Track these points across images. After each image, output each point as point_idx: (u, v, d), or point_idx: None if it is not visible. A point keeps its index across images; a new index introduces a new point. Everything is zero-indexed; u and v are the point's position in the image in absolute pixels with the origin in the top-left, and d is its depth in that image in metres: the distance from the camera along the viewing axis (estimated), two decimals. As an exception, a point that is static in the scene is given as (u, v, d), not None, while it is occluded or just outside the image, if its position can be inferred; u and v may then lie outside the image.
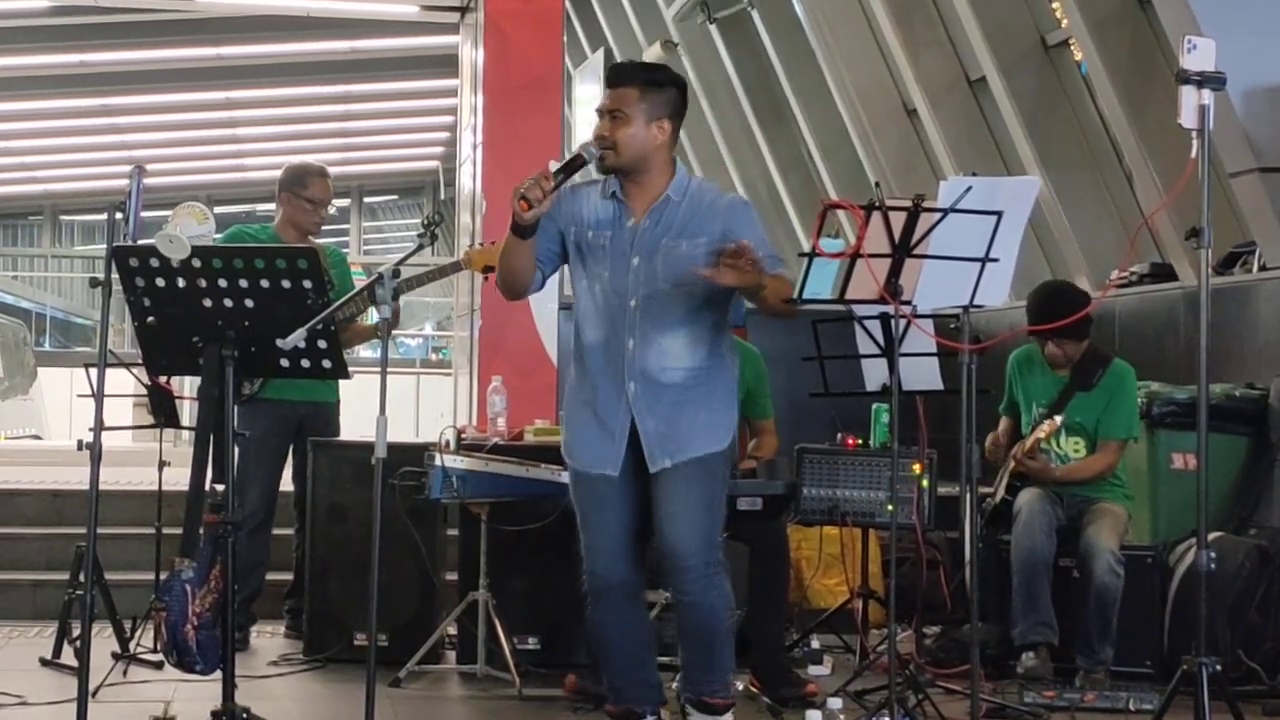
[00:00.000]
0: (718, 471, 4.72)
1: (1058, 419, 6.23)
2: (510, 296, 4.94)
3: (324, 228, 6.90)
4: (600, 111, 4.69)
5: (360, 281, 6.77)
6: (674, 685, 5.07)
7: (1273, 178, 6.90)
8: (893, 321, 5.12)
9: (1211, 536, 5.62)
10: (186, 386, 8.08)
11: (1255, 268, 7.21)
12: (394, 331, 6.32)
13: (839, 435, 6.53)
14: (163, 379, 6.20)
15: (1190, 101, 4.57)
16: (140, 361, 5.11)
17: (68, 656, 5.87)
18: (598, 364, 4.71)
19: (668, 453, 4.61)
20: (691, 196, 4.68)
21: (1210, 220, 4.66)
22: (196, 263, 4.56)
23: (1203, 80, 4.56)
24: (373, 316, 6.23)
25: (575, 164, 4.61)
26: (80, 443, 5.16)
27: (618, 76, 4.70)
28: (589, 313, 4.73)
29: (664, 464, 4.61)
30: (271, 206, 6.79)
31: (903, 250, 4.90)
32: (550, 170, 4.52)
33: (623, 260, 4.64)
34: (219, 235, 6.84)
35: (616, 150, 4.62)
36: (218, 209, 26.95)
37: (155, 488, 6.51)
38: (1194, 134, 4.58)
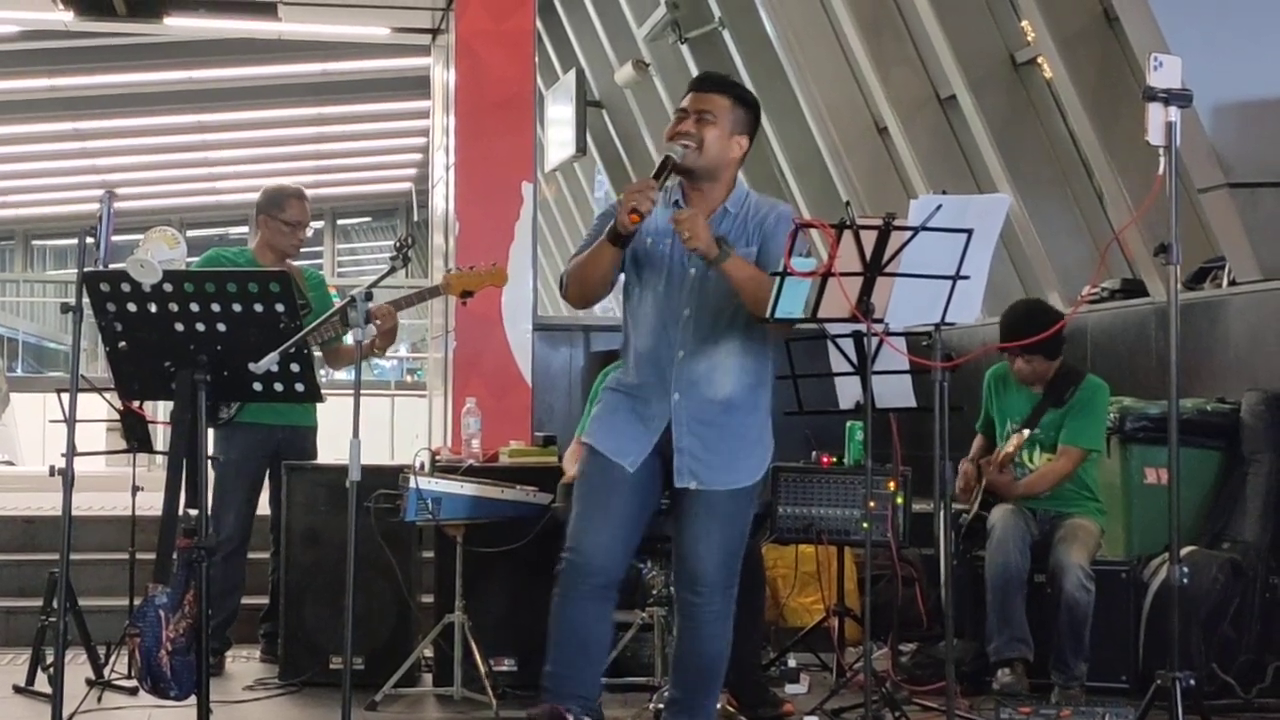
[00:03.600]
0: (747, 506, 4.70)
1: (1026, 432, 6.27)
2: (584, 306, 4.87)
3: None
4: (684, 111, 4.65)
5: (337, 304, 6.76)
6: (651, 705, 5.07)
7: (1241, 193, 6.94)
8: (865, 340, 5.14)
9: (1184, 551, 5.67)
10: (160, 411, 8.06)
11: (1225, 282, 7.25)
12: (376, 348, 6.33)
13: (813, 453, 6.54)
14: (135, 403, 6.19)
15: (1157, 119, 4.61)
16: (113, 386, 5.10)
17: (42, 683, 5.84)
18: (647, 371, 4.67)
19: (697, 475, 4.58)
20: (748, 209, 4.71)
21: (1178, 237, 4.69)
22: (168, 287, 4.56)
23: (1169, 97, 4.59)
24: (349, 339, 6.24)
25: (667, 167, 4.56)
26: (53, 468, 5.16)
27: (712, 83, 4.74)
28: (640, 320, 4.69)
29: (690, 484, 4.57)
30: (244, 229, 6.82)
31: (874, 269, 4.92)
32: (650, 179, 4.49)
33: (680, 270, 4.63)
34: (194, 259, 6.83)
35: (701, 149, 4.60)
36: (190, 232, 26.97)
37: (129, 513, 6.48)
38: (1161, 151, 4.61)
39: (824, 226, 4.86)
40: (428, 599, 6.50)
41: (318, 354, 6.40)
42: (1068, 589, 6.01)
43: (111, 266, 4.87)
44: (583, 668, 4.64)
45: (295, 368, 4.70)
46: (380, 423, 15.09)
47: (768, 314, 4.62)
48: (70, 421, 5.12)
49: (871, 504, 5.48)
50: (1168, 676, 4.63)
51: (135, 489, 6.46)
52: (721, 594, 4.61)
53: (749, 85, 12.55)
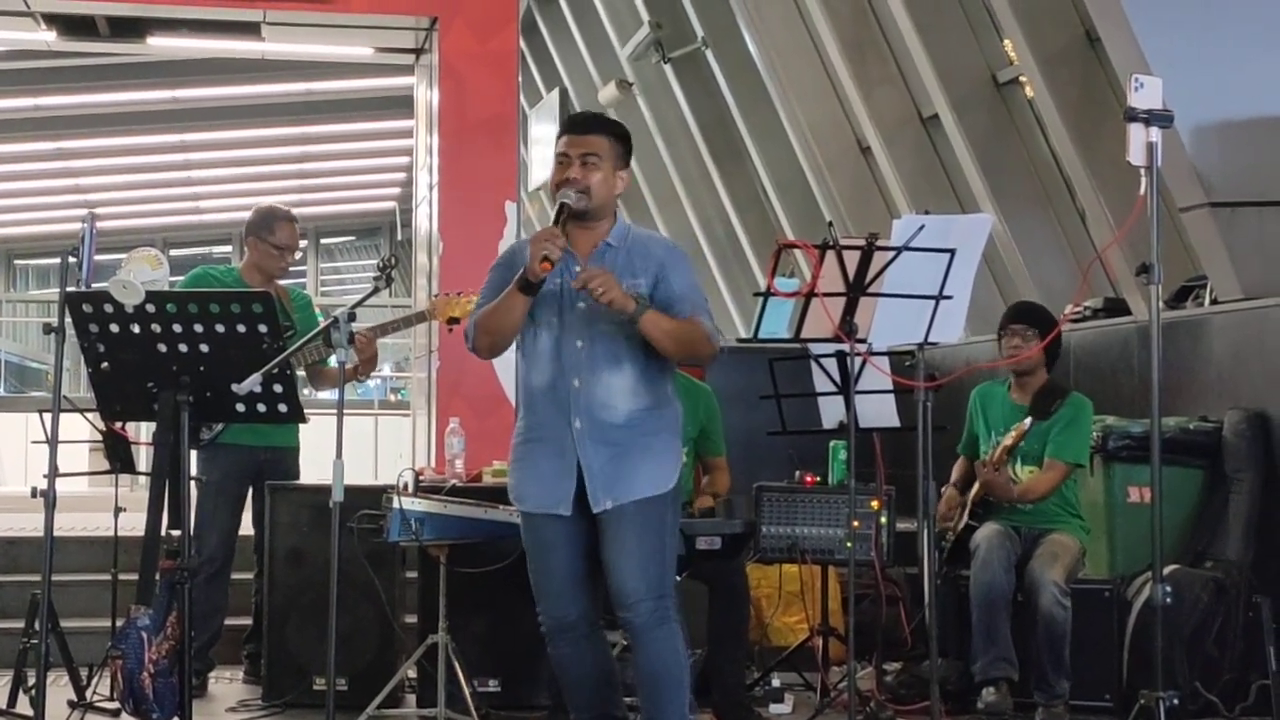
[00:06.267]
0: (664, 515, 4.70)
1: (1028, 421, 6.24)
2: (493, 355, 4.90)
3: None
4: (567, 155, 4.68)
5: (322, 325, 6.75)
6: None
7: (1222, 212, 6.97)
8: (849, 359, 5.15)
9: (1167, 570, 5.67)
10: (143, 431, 8.05)
11: (1207, 301, 7.27)
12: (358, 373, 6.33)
13: (797, 473, 6.54)
14: (118, 424, 6.17)
15: (1138, 139, 4.62)
16: (95, 407, 5.09)
17: (23, 705, 5.81)
18: (545, 406, 4.71)
19: (610, 494, 4.60)
20: (631, 241, 4.76)
21: (1160, 256, 4.70)
22: (150, 307, 4.56)
23: (1150, 118, 4.61)
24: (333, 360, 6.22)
25: (564, 214, 4.59)
26: (35, 489, 5.14)
27: (589, 125, 4.78)
28: (537, 357, 4.74)
29: (606, 505, 4.60)
30: (227, 249, 6.81)
31: (857, 289, 4.94)
32: (554, 228, 4.53)
33: (570, 303, 4.67)
34: (179, 278, 6.82)
35: (590, 194, 4.65)
36: (173, 252, 26.91)
37: (111, 534, 6.46)
38: (1143, 171, 4.63)
39: (807, 246, 4.88)
40: (411, 619, 6.49)
41: (301, 374, 6.39)
42: (1043, 606, 6.02)
43: (94, 287, 4.87)
44: (599, 703, 4.82)
45: (278, 388, 4.70)
46: (364, 443, 15.07)
47: (751, 334, 4.64)
48: (52, 442, 5.11)
49: (855, 523, 5.48)
50: (1151, 695, 4.63)
51: (118, 510, 6.44)
52: (649, 603, 4.61)
53: (732, 105, 12.77)
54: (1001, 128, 9.23)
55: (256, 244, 6.70)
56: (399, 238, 27.20)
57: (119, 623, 5.40)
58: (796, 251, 4.98)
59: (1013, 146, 9.24)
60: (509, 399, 8.34)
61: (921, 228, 4.96)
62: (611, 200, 4.75)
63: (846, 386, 5.38)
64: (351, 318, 4.74)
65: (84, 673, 6.03)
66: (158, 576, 4.65)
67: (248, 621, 6.86)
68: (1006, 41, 9.01)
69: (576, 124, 4.81)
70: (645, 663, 4.69)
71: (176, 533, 4.64)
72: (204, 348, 4.59)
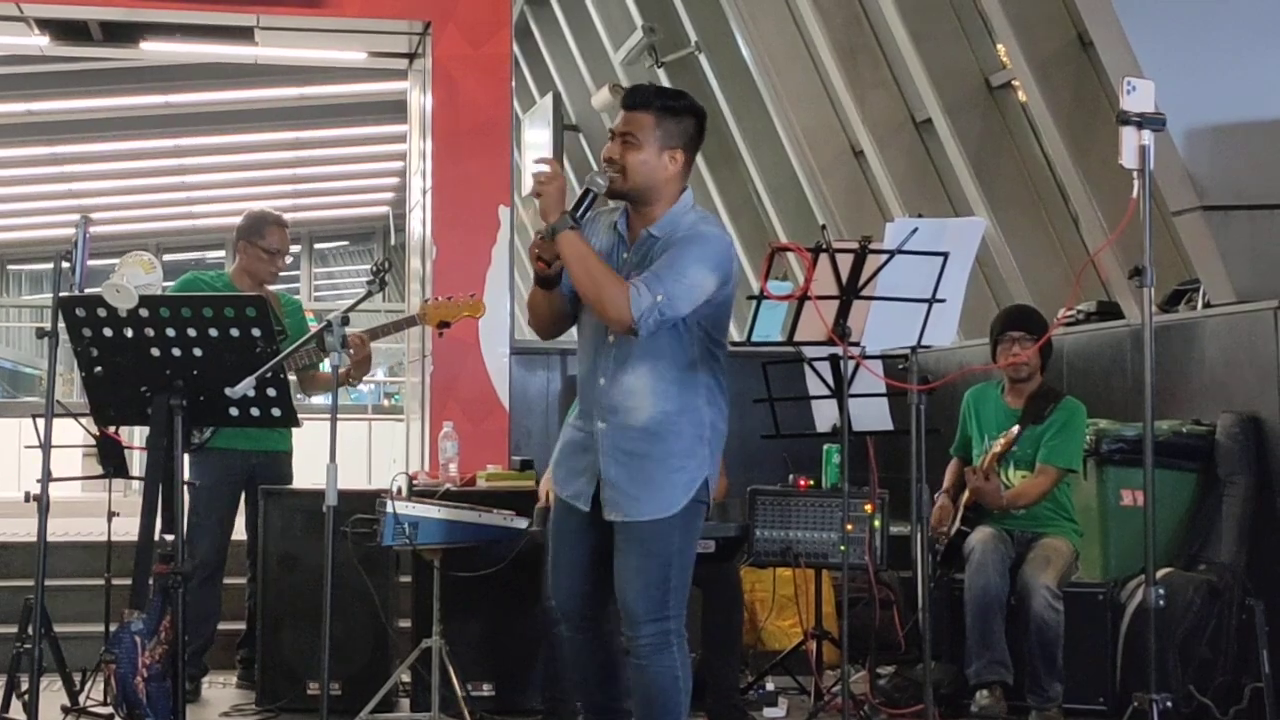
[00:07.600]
0: (671, 537, 4.47)
1: (1015, 429, 6.25)
2: (547, 338, 4.77)
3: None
4: (612, 133, 4.48)
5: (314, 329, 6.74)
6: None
7: (1215, 215, 6.97)
8: (842, 363, 5.15)
9: (1161, 573, 5.67)
10: (136, 436, 8.04)
11: (1200, 305, 7.27)
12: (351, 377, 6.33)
13: (791, 477, 6.54)
14: (111, 429, 6.17)
15: (1131, 142, 4.63)
16: (89, 411, 5.09)
17: (16, 710, 5.80)
18: (582, 400, 4.61)
19: (620, 507, 4.45)
20: (674, 230, 4.47)
21: (1152, 260, 4.71)
22: (144, 312, 4.56)
23: (1143, 121, 4.62)
24: (326, 365, 6.23)
25: (586, 198, 4.37)
26: (28, 494, 5.15)
27: (634, 100, 4.50)
28: (580, 346, 4.63)
29: (615, 517, 4.46)
30: (221, 254, 6.80)
31: (850, 292, 4.94)
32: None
33: None
34: (170, 283, 6.82)
35: (624, 175, 4.42)
36: (167, 256, 26.91)
37: (104, 538, 6.46)
38: (1135, 174, 4.64)
39: (800, 250, 4.87)
40: (405, 624, 6.49)
41: (292, 379, 6.38)
42: (1035, 610, 6.03)
43: (87, 291, 4.87)
44: (597, 685, 4.72)
45: (272, 392, 4.70)
46: (357, 447, 15.06)
47: (744, 338, 4.62)
48: (46, 447, 5.11)
49: (849, 527, 5.48)
50: (1145, 698, 4.64)
51: (111, 514, 6.44)
52: (649, 627, 4.44)
53: (725, 109, 12.77)
54: (994, 131, 9.24)
55: (247, 248, 6.71)
56: (392, 242, 27.22)
57: (112, 627, 5.40)
58: (790, 255, 4.96)
59: (1005, 150, 9.25)
60: (503, 403, 8.34)
61: (914, 231, 4.96)
62: (658, 182, 4.45)
63: (840, 390, 5.38)
64: (345, 322, 4.74)
65: (77, 678, 6.03)
66: (151, 581, 4.64)
67: (241, 626, 6.86)
68: (999, 46, 9.02)
69: (626, 98, 4.54)
70: (639, 686, 4.53)
71: (170, 537, 4.64)
72: (197, 352, 4.58)
